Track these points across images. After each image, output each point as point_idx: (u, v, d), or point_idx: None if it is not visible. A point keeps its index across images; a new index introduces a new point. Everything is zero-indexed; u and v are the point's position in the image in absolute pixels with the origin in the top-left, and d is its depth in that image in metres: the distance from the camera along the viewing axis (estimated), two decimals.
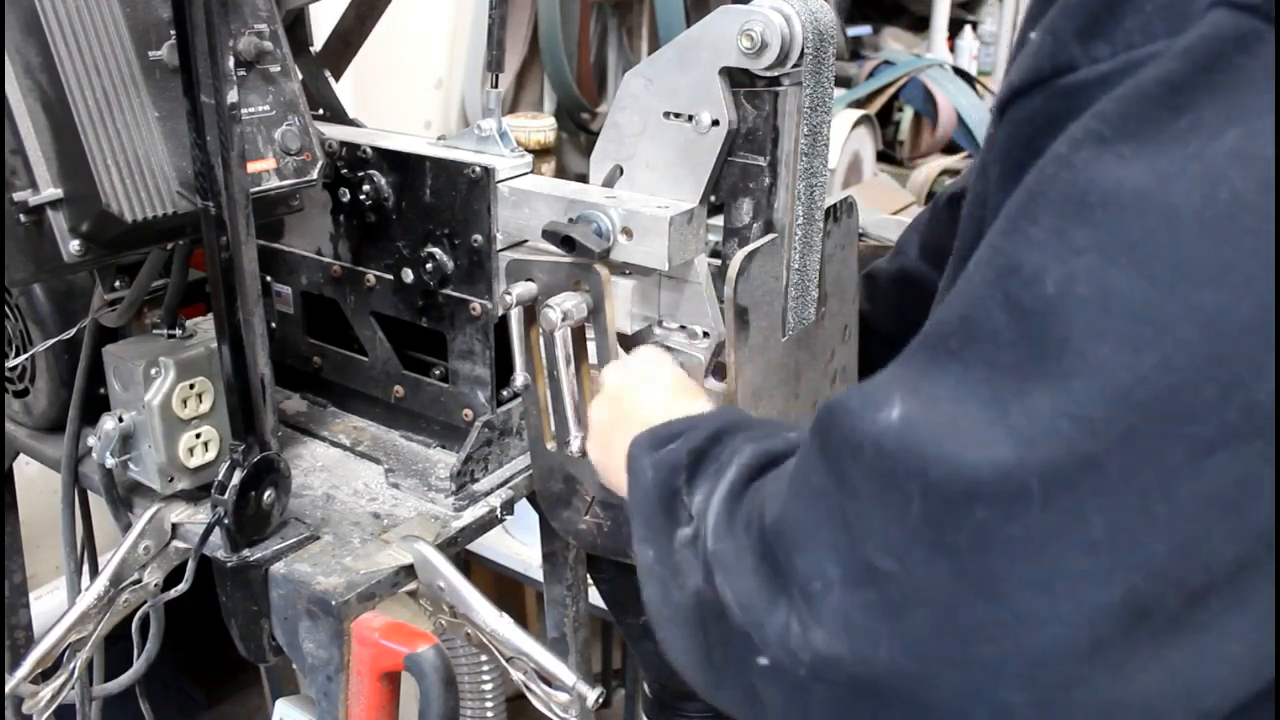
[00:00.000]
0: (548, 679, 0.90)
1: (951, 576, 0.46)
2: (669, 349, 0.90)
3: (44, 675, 0.94)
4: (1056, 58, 0.50)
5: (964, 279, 0.51)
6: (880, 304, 1.09)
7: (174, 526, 1.01)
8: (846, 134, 2.60)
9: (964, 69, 3.39)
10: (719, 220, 0.91)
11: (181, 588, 0.96)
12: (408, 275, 1.07)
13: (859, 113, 2.71)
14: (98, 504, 1.13)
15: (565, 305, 0.84)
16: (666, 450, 0.67)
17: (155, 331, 1.03)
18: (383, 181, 1.06)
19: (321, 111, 1.18)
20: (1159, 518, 0.43)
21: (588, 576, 1.32)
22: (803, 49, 0.82)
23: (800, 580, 0.50)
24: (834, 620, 0.49)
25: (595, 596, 1.18)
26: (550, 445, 0.93)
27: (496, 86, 1.03)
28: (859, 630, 0.48)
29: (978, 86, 3.26)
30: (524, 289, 0.88)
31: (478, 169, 1.00)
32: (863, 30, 3.56)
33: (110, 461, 0.99)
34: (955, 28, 3.76)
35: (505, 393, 1.07)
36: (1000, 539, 0.44)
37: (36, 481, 1.47)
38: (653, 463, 0.67)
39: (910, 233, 1.13)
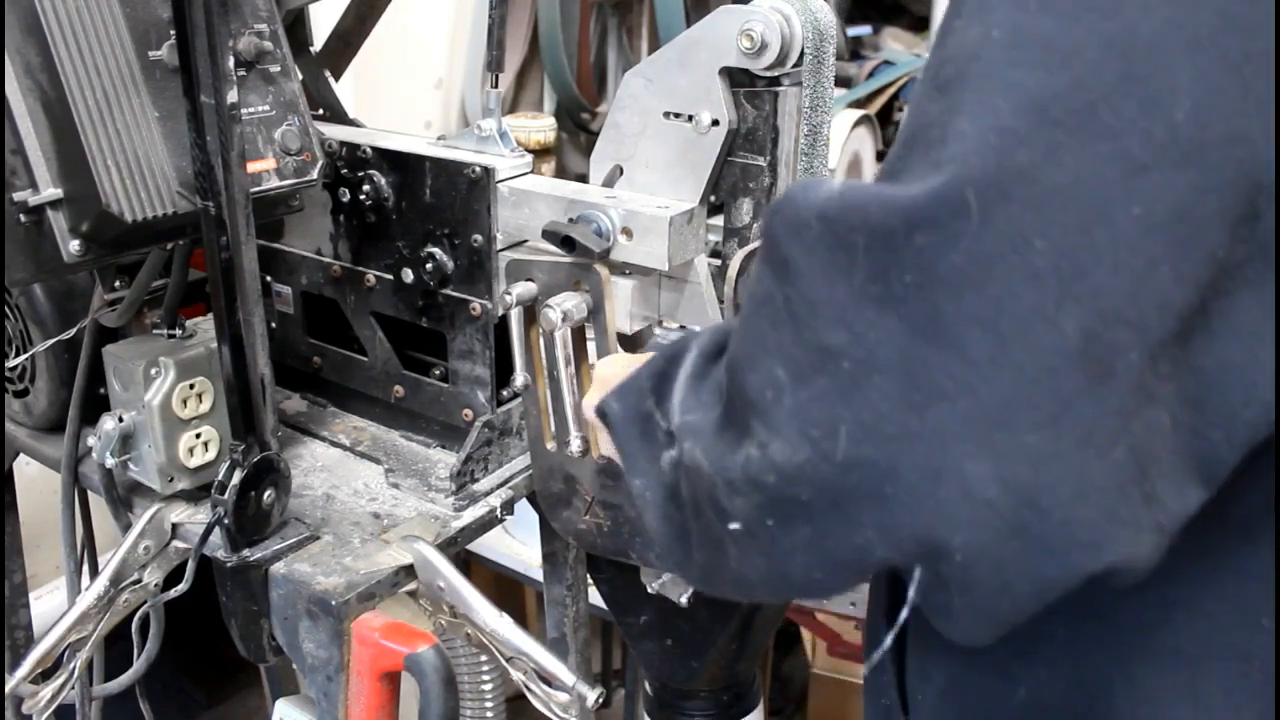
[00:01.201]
0: (548, 679, 0.90)
1: (901, 329, 0.44)
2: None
3: (44, 675, 0.94)
4: None
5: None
6: None
7: (174, 526, 1.01)
8: (846, 134, 2.60)
9: None
10: (719, 220, 0.91)
11: (181, 588, 0.96)
12: (408, 275, 1.07)
13: (859, 113, 2.71)
14: (98, 504, 1.13)
15: (565, 305, 0.84)
16: (628, 381, 0.66)
17: (155, 331, 1.03)
18: (383, 181, 1.06)
19: (321, 111, 1.18)
20: (1100, 243, 0.43)
21: (588, 576, 1.32)
22: (803, 49, 0.82)
23: (753, 399, 0.49)
24: (790, 425, 0.47)
25: (595, 596, 1.18)
26: (550, 445, 0.93)
27: (496, 86, 1.03)
28: (815, 425, 0.47)
29: None
30: (524, 289, 0.88)
31: (478, 169, 1.00)
32: (863, 30, 3.56)
33: (110, 461, 0.99)
34: None
35: (505, 393, 1.07)
36: (943, 269, 0.44)
37: (36, 481, 1.47)
38: (617, 396, 0.66)
39: None
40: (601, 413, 0.69)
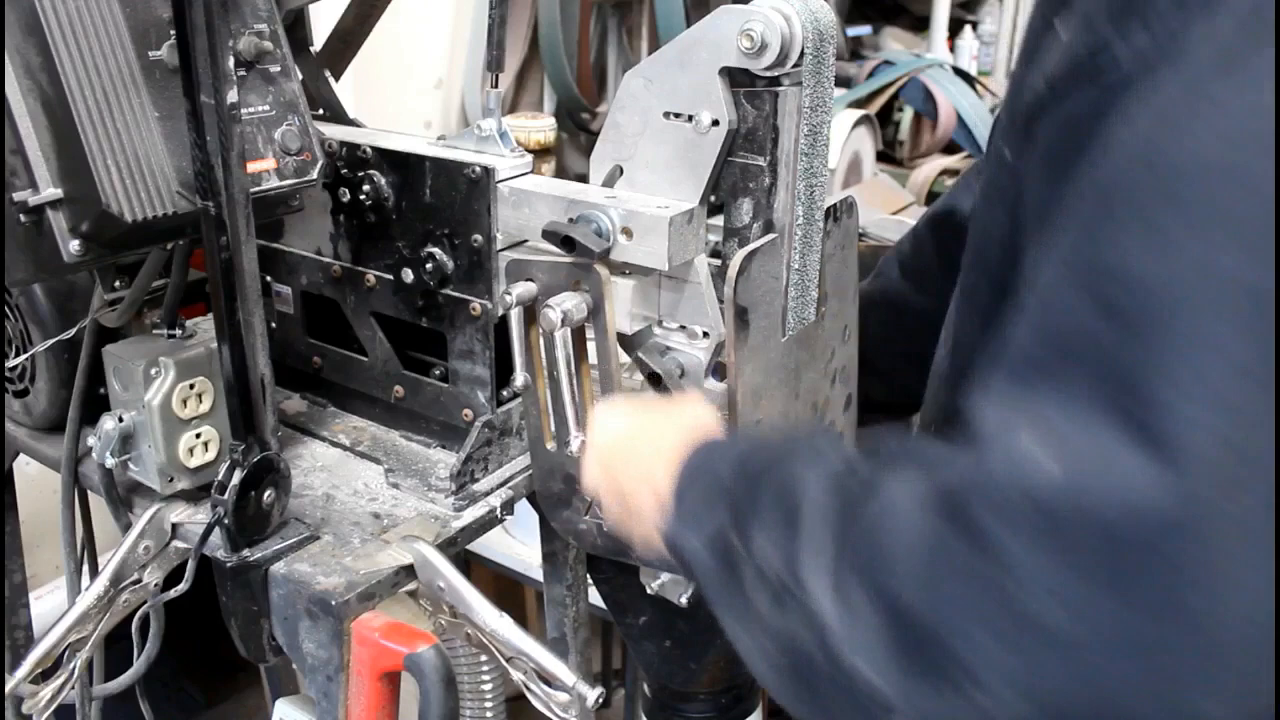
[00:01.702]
0: (548, 679, 0.90)
1: (1138, 614, 0.44)
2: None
3: (44, 675, 0.94)
4: (1095, 51, 0.49)
5: (1031, 294, 0.49)
6: (861, 327, 1.07)
7: (174, 526, 1.01)
8: (846, 134, 2.60)
9: (964, 69, 3.39)
10: (719, 220, 0.91)
11: (181, 588, 0.96)
12: (408, 275, 1.07)
13: (859, 113, 2.71)
14: (98, 504, 1.13)
15: (565, 305, 0.84)
16: (700, 521, 0.64)
17: (155, 331, 1.03)
18: (383, 181, 1.06)
19: (321, 111, 1.18)
20: None
21: (588, 576, 1.32)
22: (803, 49, 0.82)
23: (963, 664, 0.49)
24: (1006, 688, 0.47)
25: (595, 596, 1.18)
26: (550, 445, 0.93)
27: (496, 86, 1.03)
28: (1037, 692, 0.47)
29: (978, 86, 3.26)
30: (524, 289, 0.88)
31: (478, 169, 0.99)
32: (863, 30, 3.56)
33: (110, 461, 0.99)
34: (955, 28, 3.76)
35: (505, 393, 1.07)
36: (1191, 566, 0.43)
37: (36, 481, 1.47)
38: (686, 524, 0.64)
39: (891, 256, 1.13)
40: (672, 543, 0.67)
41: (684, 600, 0.98)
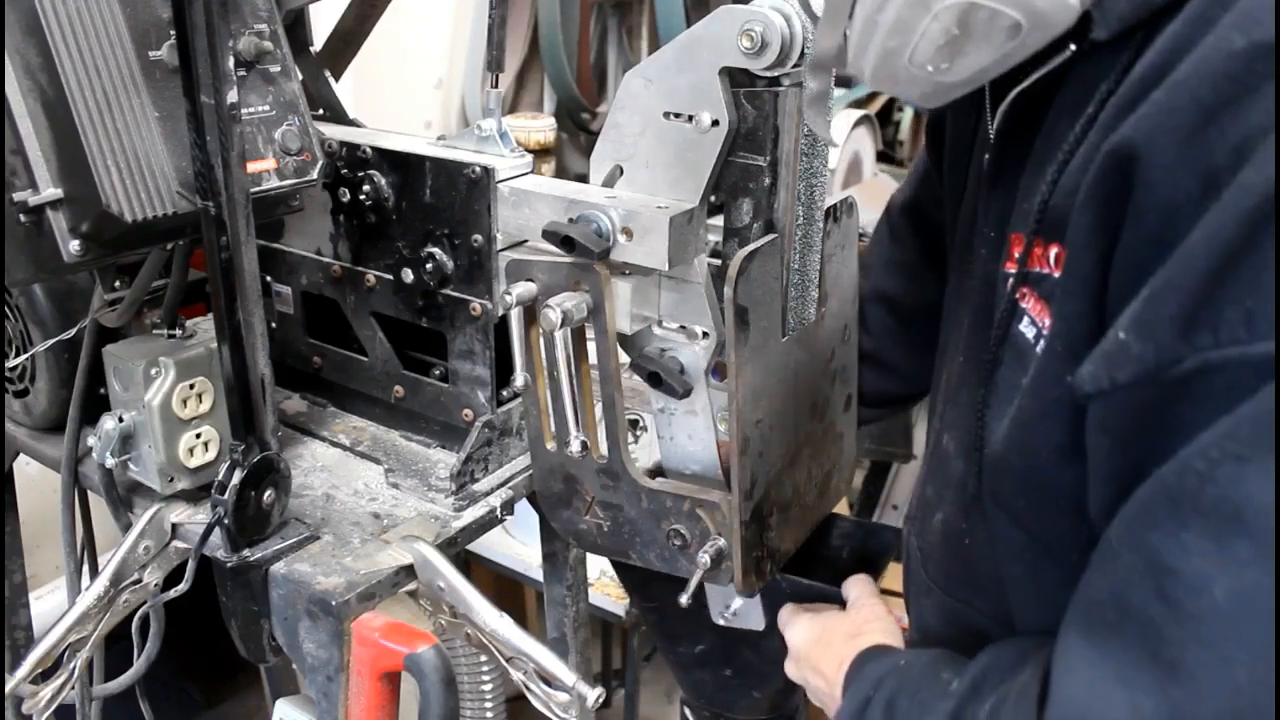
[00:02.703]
0: (548, 679, 0.90)
1: None
2: None
3: (44, 675, 0.94)
4: (1159, 358, 0.53)
5: (1105, 555, 0.57)
6: (864, 326, 1.09)
7: (174, 526, 1.01)
8: (846, 134, 2.60)
9: None
10: (719, 220, 0.91)
11: (181, 588, 0.96)
12: (408, 275, 1.07)
13: (859, 113, 2.71)
14: (98, 504, 1.13)
15: (565, 305, 0.84)
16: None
17: (155, 331, 1.03)
18: (383, 181, 1.06)
19: (321, 111, 1.18)
20: None
21: (587, 581, 1.32)
22: (803, 49, 0.82)
23: None
24: None
25: (595, 596, 1.18)
26: (550, 445, 0.93)
27: (496, 86, 1.03)
28: None
29: None
30: (524, 289, 0.87)
31: (478, 169, 0.99)
32: None
33: (110, 461, 0.99)
34: None
35: (505, 393, 1.07)
36: None
37: (36, 481, 1.47)
38: None
39: (875, 254, 1.13)
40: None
41: (761, 625, 1.01)
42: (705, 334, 0.90)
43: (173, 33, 0.83)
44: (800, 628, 0.97)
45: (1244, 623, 0.49)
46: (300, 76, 0.98)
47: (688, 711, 1.16)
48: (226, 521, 0.91)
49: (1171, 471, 0.53)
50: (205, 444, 1.00)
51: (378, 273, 1.10)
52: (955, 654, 0.80)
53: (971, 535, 0.79)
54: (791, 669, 0.97)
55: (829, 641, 0.93)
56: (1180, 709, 0.51)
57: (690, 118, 0.86)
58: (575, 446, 0.90)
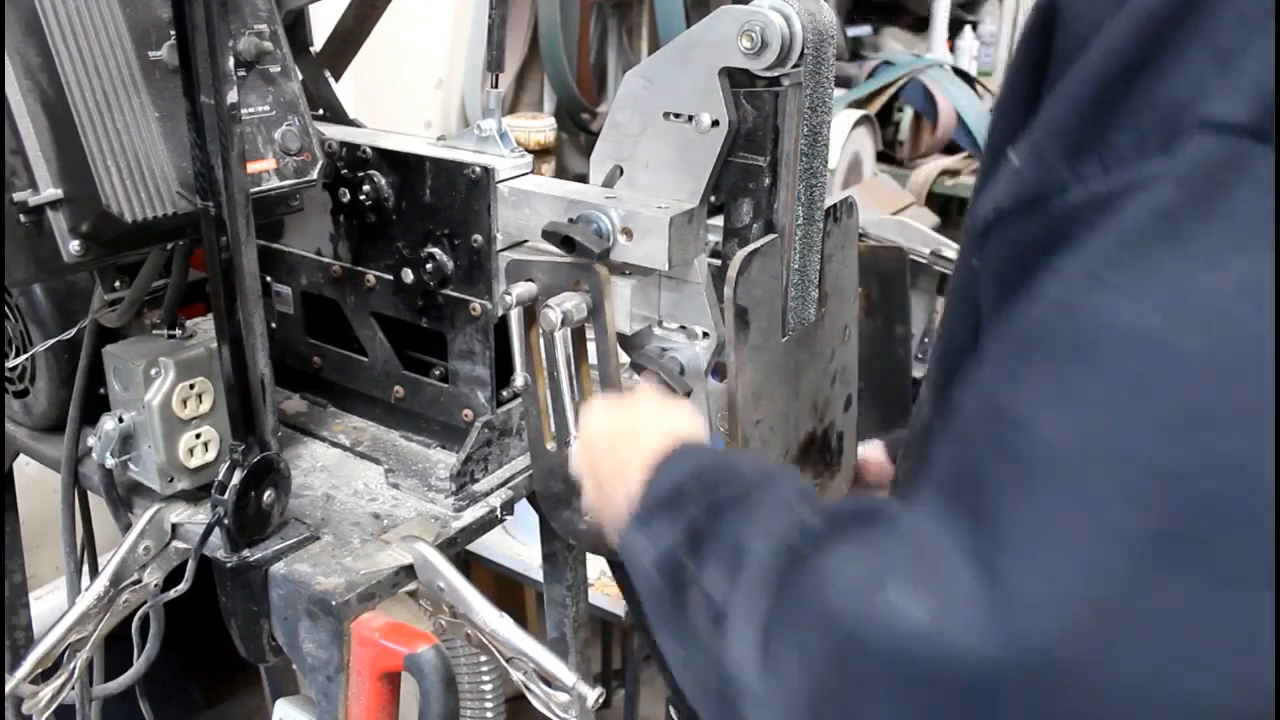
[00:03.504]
0: (548, 679, 0.90)
1: None
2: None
3: (44, 675, 0.94)
4: (1045, 181, 0.47)
5: (957, 418, 0.49)
6: None
7: (174, 526, 1.01)
8: (846, 134, 2.60)
9: (964, 69, 3.39)
10: (719, 220, 0.91)
11: (181, 588, 0.96)
12: (408, 275, 1.07)
13: (859, 113, 2.72)
14: (98, 504, 1.13)
15: (565, 305, 0.84)
16: (658, 531, 0.64)
17: (155, 331, 1.03)
18: (383, 182, 1.06)
19: (321, 111, 1.18)
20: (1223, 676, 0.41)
21: (587, 581, 1.32)
22: (803, 49, 0.82)
23: None
24: None
25: (595, 596, 1.18)
26: (550, 445, 0.93)
27: (496, 86, 1.03)
28: None
29: (978, 86, 3.26)
30: (524, 289, 0.87)
31: (478, 169, 0.99)
32: (863, 30, 3.56)
33: (110, 461, 0.99)
34: (955, 28, 3.76)
35: (505, 393, 1.07)
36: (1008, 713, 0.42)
37: (36, 481, 1.47)
38: (654, 558, 0.63)
39: None
40: (627, 546, 0.66)
41: None
42: (705, 334, 0.90)
43: (173, 33, 0.83)
44: (601, 410, 0.81)
45: (1084, 473, 0.42)
46: (300, 76, 0.98)
47: (673, 712, 1.16)
48: (226, 521, 0.91)
49: (1027, 308, 0.46)
50: (205, 444, 1.00)
51: (378, 273, 1.10)
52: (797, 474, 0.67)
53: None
54: (580, 458, 0.82)
55: (635, 424, 0.77)
56: (1010, 586, 0.42)
57: (690, 118, 0.86)
58: (575, 447, 0.90)
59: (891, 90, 3.01)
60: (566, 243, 0.86)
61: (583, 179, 0.96)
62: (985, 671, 0.42)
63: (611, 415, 0.80)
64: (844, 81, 3.08)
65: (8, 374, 1.18)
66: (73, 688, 0.96)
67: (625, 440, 0.74)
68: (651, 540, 0.64)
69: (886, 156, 2.97)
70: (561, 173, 2.41)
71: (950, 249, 2.13)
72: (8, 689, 0.91)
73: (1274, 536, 0.39)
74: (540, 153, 1.93)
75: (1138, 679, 0.41)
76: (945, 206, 2.95)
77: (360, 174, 1.07)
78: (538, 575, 1.79)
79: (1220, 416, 0.40)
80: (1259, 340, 0.39)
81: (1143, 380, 0.41)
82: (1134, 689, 0.41)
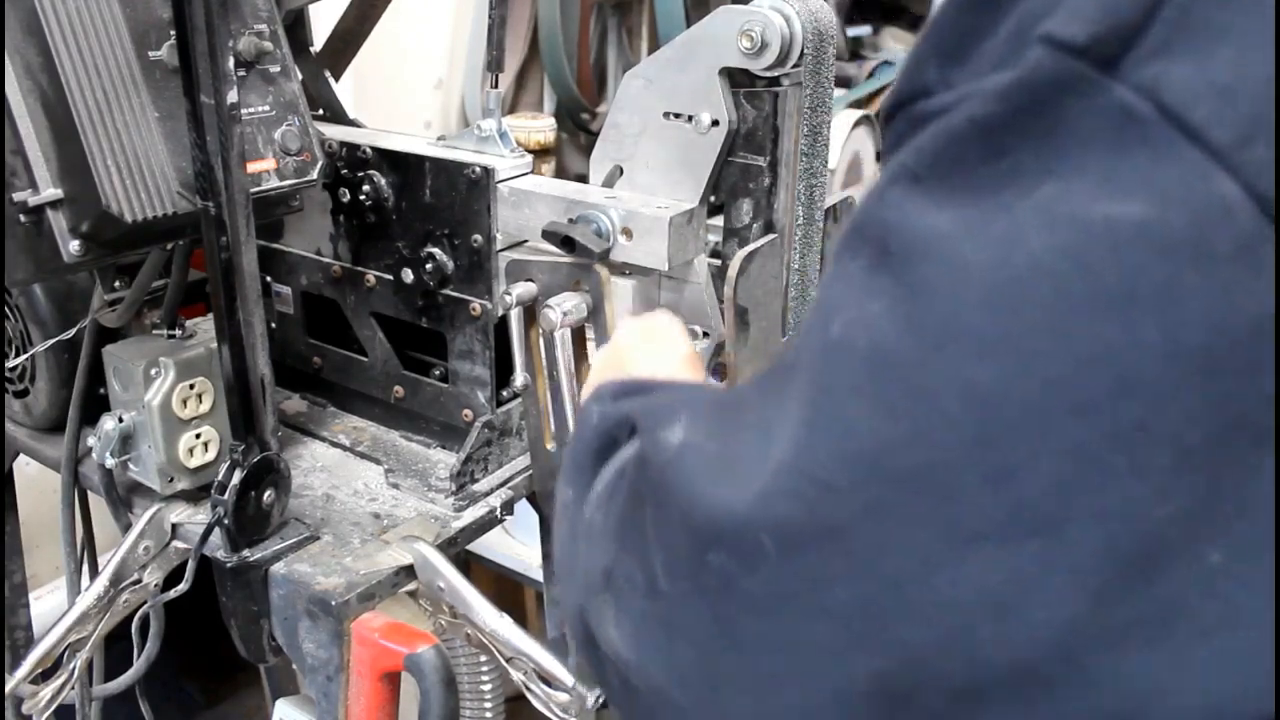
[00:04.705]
0: (548, 679, 0.90)
1: (707, 616, 0.43)
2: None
3: (44, 675, 0.94)
4: (914, 81, 0.46)
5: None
6: None
7: (174, 526, 1.01)
8: (846, 134, 2.60)
9: None
10: (719, 220, 0.91)
11: (181, 588, 0.96)
12: (408, 275, 1.07)
13: (859, 113, 2.71)
14: (98, 504, 1.13)
15: (565, 305, 0.84)
16: (621, 402, 0.63)
17: (155, 331, 1.03)
18: (383, 182, 1.06)
19: (321, 111, 1.18)
20: (913, 602, 0.38)
21: None
22: (803, 49, 0.82)
23: (615, 579, 0.49)
24: (629, 624, 0.47)
25: None
26: (550, 445, 0.93)
27: (496, 86, 1.03)
28: (646, 643, 0.46)
29: None
30: (524, 289, 0.88)
31: (478, 169, 0.99)
32: (863, 30, 3.56)
33: (110, 461, 0.99)
34: None
35: (505, 393, 1.07)
36: (740, 590, 0.41)
37: (36, 481, 1.47)
38: (601, 411, 0.62)
39: None
40: (584, 405, 0.66)
41: None
42: (705, 334, 0.90)
43: (173, 33, 0.83)
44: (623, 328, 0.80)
45: (846, 367, 0.40)
46: (300, 76, 0.98)
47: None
48: (226, 521, 0.91)
49: (872, 202, 0.45)
50: (205, 444, 1.00)
51: (378, 273, 1.10)
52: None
53: None
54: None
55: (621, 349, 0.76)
56: (764, 476, 0.41)
57: (690, 118, 0.86)
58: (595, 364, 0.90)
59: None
60: (566, 243, 0.86)
61: (583, 179, 0.96)
62: (731, 528, 0.42)
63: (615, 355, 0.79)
64: (844, 81, 3.08)
65: (8, 374, 1.18)
66: (73, 688, 0.96)
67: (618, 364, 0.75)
68: (606, 408, 0.63)
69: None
70: (561, 173, 2.41)
71: None
72: (8, 689, 0.91)
73: (1007, 495, 0.37)
74: (540, 153, 1.93)
75: (820, 576, 0.40)
76: None
77: (360, 174, 1.07)
78: (538, 575, 1.79)
79: (975, 339, 0.38)
80: (1037, 266, 0.37)
81: (922, 286, 0.39)
82: (815, 583, 0.40)
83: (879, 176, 0.45)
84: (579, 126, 2.46)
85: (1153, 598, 0.38)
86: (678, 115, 0.87)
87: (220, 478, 0.91)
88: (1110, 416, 0.36)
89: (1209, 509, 0.36)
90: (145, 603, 1.00)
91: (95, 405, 1.07)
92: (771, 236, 0.87)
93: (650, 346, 0.76)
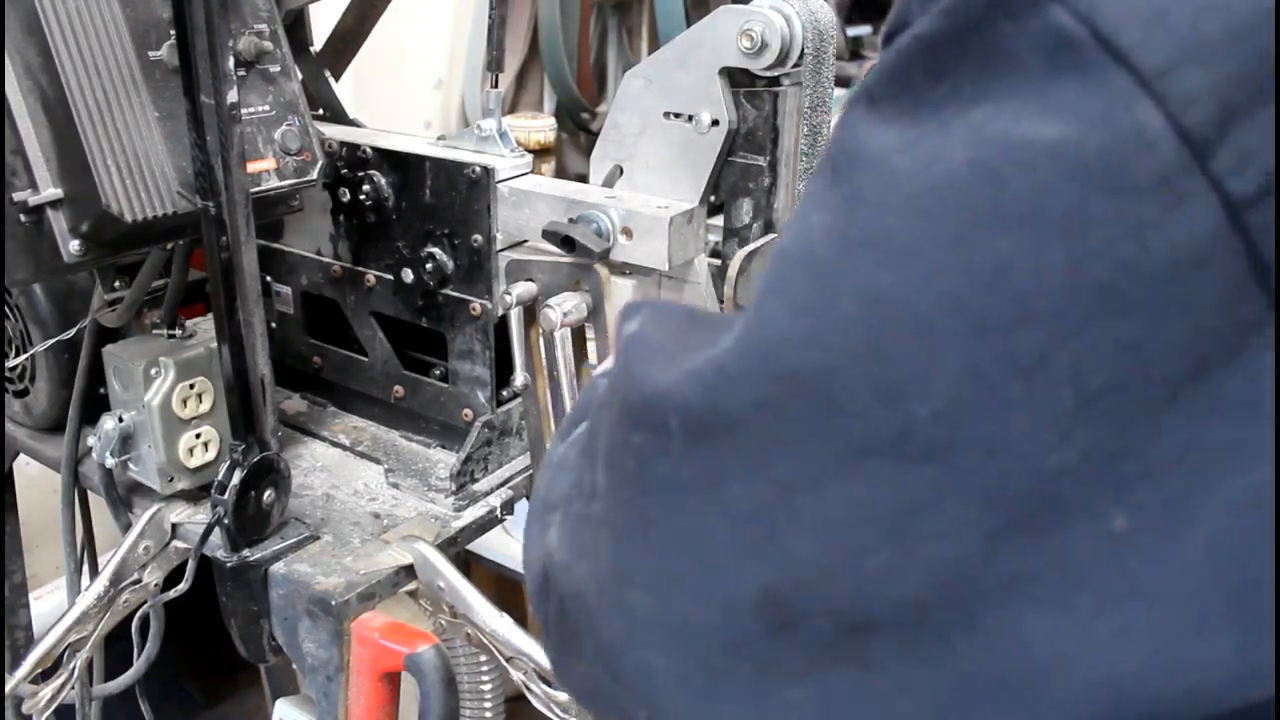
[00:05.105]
0: (548, 679, 0.90)
1: (624, 504, 0.43)
2: None
3: (44, 675, 0.94)
4: (899, 13, 0.44)
5: None
6: None
7: (174, 526, 1.01)
8: None
9: None
10: (719, 220, 0.91)
11: (181, 588, 0.96)
12: (408, 275, 1.07)
13: None
14: (98, 504, 1.13)
15: (565, 305, 0.84)
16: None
17: (155, 331, 1.03)
18: (383, 181, 1.06)
19: (321, 111, 1.18)
20: (802, 512, 0.38)
21: None
22: (803, 49, 0.82)
23: (569, 493, 0.50)
24: (569, 526, 0.48)
25: None
26: (550, 445, 0.93)
27: (496, 86, 1.03)
28: (574, 542, 0.47)
29: None
30: (524, 289, 0.88)
31: (478, 169, 1.00)
32: (863, 30, 3.55)
33: (110, 461, 0.99)
34: None
35: (505, 393, 1.07)
36: (652, 474, 0.42)
37: (36, 481, 1.47)
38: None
39: None
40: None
41: None
42: None
43: (173, 33, 0.83)
44: None
45: (797, 264, 0.40)
46: (300, 76, 0.98)
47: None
48: (226, 521, 0.91)
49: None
50: (205, 444, 1.00)
51: (378, 273, 1.11)
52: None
53: None
54: None
55: None
56: (721, 348, 0.40)
57: (690, 118, 0.86)
58: None
59: None
60: (566, 243, 0.86)
61: (583, 179, 0.96)
62: (650, 403, 0.42)
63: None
64: (844, 81, 3.08)
65: (8, 374, 1.18)
66: (73, 688, 0.96)
67: None
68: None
69: None
70: (561, 173, 2.41)
71: None
72: (8, 689, 0.91)
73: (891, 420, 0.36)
74: (540, 153, 1.93)
75: (716, 473, 0.40)
76: None
77: (360, 174, 1.07)
78: None
79: (880, 244, 0.37)
80: (952, 178, 0.36)
81: (853, 194, 0.39)
82: (711, 479, 0.40)
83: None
84: (579, 126, 2.46)
85: (1047, 553, 0.36)
86: (678, 115, 0.87)
87: (220, 478, 0.91)
88: (1007, 340, 0.34)
89: (1112, 466, 0.34)
90: (145, 603, 1.00)
91: (95, 405, 1.07)
92: (771, 236, 0.87)
93: None
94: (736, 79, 0.85)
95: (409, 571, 0.96)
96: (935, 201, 0.36)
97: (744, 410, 0.39)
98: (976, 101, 0.37)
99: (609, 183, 0.92)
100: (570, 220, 0.89)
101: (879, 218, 0.37)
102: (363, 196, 1.06)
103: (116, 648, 1.12)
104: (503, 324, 0.97)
